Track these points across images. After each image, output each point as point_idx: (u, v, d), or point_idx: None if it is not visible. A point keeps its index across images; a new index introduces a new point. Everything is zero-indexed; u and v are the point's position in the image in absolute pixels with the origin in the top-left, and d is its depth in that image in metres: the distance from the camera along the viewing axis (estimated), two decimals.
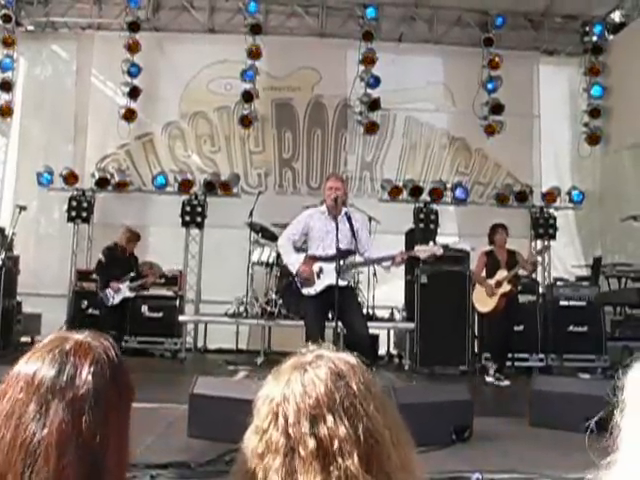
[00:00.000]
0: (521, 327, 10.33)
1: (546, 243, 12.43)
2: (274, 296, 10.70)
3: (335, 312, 6.49)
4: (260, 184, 13.03)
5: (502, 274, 9.40)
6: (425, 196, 12.44)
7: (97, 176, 12.38)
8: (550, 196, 12.65)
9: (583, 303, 10.94)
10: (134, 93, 12.61)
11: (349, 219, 6.78)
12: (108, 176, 12.47)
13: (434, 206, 12.30)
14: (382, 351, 11.74)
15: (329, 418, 1.25)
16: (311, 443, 1.24)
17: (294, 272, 6.85)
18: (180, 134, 13.18)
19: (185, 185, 12.36)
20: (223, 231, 12.24)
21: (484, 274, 9.61)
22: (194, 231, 12.43)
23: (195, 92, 13.12)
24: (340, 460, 1.23)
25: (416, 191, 12.43)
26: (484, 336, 10.43)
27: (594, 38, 13.16)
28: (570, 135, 13.58)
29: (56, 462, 1.17)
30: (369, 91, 12.79)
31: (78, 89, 13.13)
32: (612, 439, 1.20)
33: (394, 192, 12.50)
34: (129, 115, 12.61)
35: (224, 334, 11.93)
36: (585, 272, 11.97)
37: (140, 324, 11.06)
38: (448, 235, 11.73)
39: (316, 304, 6.75)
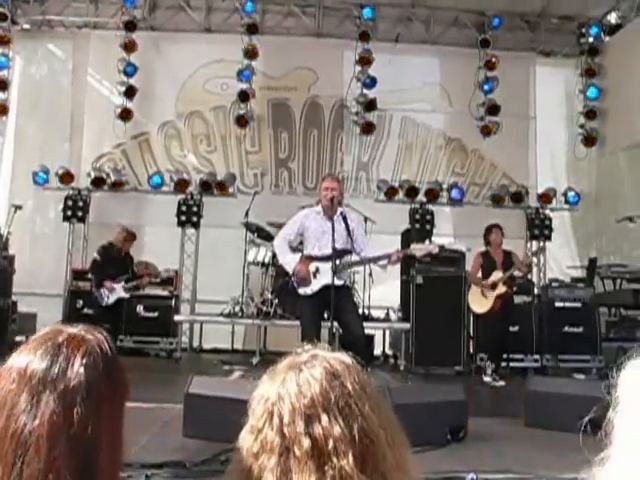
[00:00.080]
0: (516, 328, 10.34)
1: (541, 244, 12.45)
2: (270, 296, 10.70)
3: (331, 312, 6.49)
4: (256, 184, 13.03)
5: (497, 275, 9.41)
6: (421, 197, 12.45)
7: (93, 175, 12.38)
8: (546, 197, 12.68)
9: (578, 304, 10.96)
10: (130, 92, 12.60)
11: (345, 219, 6.80)
12: (104, 175, 12.46)
13: (430, 207, 12.32)
14: (377, 351, 11.74)
15: (324, 418, 1.25)
16: (306, 443, 1.24)
17: (290, 272, 6.86)
18: (176, 134, 13.17)
19: (181, 185, 12.35)
20: (219, 231, 12.22)
21: (480, 275, 9.63)
22: (190, 231, 12.42)
23: (191, 92, 13.11)
24: (335, 460, 1.23)
25: (412, 191, 12.44)
26: (479, 337, 10.44)
27: (590, 39, 13.18)
28: (566, 136, 13.60)
29: (47, 453, 1.18)
30: (365, 91, 12.80)
31: (74, 88, 13.11)
32: (606, 436, 1.21)
33: (390, 192, 12.52)
34: (125, 114, 12.59)
35: (220, 334, 11.92)
36: (580, 273, 11.99)
37: (135, 324, 11.05)
38: (444, 236, 11.76)
39: (312, 304, 6.76)
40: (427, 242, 7.67)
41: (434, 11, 13.26)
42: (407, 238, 11.09)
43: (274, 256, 9.84)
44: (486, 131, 12.95)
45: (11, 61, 12.84)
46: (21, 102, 13.09)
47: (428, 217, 12.13)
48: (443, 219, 12.64)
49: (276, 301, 10.56)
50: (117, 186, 12.49)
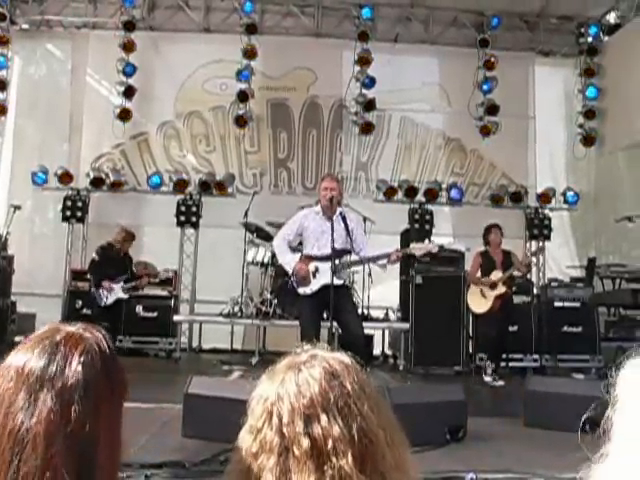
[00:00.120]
0: (515, 327, 10.33)
1: (540, 244, 12.44)
2: (269, 296, 10.69)
3: (330, 311, 6.49)
4: (255, 184, 13.03)
5: (497, 275, 9.41)
6: (420, 196, 12.45)
7: (92, 176, 12.37)
8: (545, 197, 12.68)
9: (577, 304, 10.96)
10: (129, 92, 12.59)
11: (344, 219, 6.81)
12: (103, 176, 12.45)
13: (429, 206, 12.32)
14: (377, 351, 11.75)
15: (323, 418, 1.25)
16: (305, 442, 1.24)
17: (290, 271, 6.87)
18: (175, 134, 13.17)
19: (180, 185, 12.35)
20: (218, 231, 12.22)
21: (479, 274, 9.63)
22: (189, 231, 12.42)
23: (190, 92, 13.10)
24: (334, 459, 1.23)
25: (411, 191, 12.44)
26: (479, 337, 10.44)
27: (589, 39, 13.18)
28: (565, 136, 13.60)
29: (44, 451, 1.18)
30: (364, 91, 12.79)
31: (73, 88, 13.10)
32: (604, 433, 1.21)
33: (389, 192, 12.52)
34: (124, 115, 12.58)
35: (219, 334, 11.92)
36: (579, 273, 11.99)
37: (135, 324, 11.05)
38: (443, 235, 11.75)
39: (312, 304, 6.76)
40: (426, 241, 7.67)
41: (433, 11, 13.26)
42: (406, 238, 11.08)
43: (273, 256, 9.86)
44: (485, 131, 12.95)
45: (10, 61, 12.83)
46: (20, 102, 13.08)
47: (427, 217, 12.12)
48: (442, 219, 12.63)
49: (275, 301, 10.56)
50: (116, 186, 12.48)
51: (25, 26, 13.18)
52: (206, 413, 5.34)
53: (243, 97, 12.63)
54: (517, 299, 10.51)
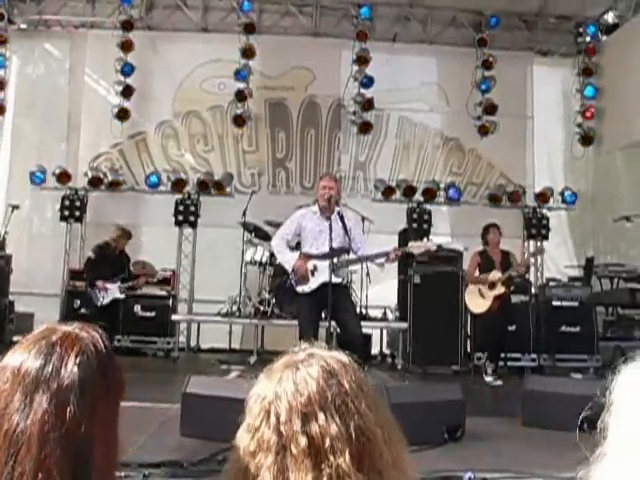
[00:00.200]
0: (513, 327, 10.31)
1: (539, 244, 12.42)
2: (267, 295, 10.71)
3: (328, 310, 6.50)
4: (253, 184, 13.02)
5: (496, 275, 9.40)
6: (418, 196, 12.45)
7: (90, 175, 12.35)
8: (543, 197, 12.68)
9: (575, 303, 10.96)
10: (127, 92, 12.57)
11: (342, 218, 6.81)
12: (101, 175, 12.43)
13: (427, 206, 12.31)
14: (375, 351, 11.75)
15: (321, 416, 1.26)
16: (303, 441, 1.24)
17: (289, 270, 6.87)
18: (173, 133, 13.16)
19: (178, 184, 12.34)
20: (216, 230, 12.22)
21: (477, 274, 9.63)
22: (187, 230, 12.41)
23: (188, 91, 13.09)
24: (332, 458, 1.23)
25: (409, 191, 12.44)
26: (477, 336, 10.43)
27: (587, 39, 13.18)
28: (563, 136, 13.60)
29: (37, 452, 1.18)
30: (363, 91, 12.78)
31: (71, 88, 13.09)
32: (601, 435, 1.22)
33: (387, 192, 12.51)
34: (122, 114, 12.56)
35: (217, 333, 11.91)
36: (577, 272, 12.00)
37: (133, 323, 11.04)
38: (441, 235, 11.72)
39: (310, 303, 6.77)
40: (425, 240, 7.68)
41: (431, 11, 13.26)
42: (405, 237, 11.08)
43: (271, 256, 9.87)
44: (483, 131, 12.95)
45: (8, 61, 12.80)
46: (18, 102, 13.06)
47: (425, 216, 12.12)
48: (440, 218, 12.63)
49: (273, 301, 10.57)
50: (114, 186, 12.46)
51: (23, 25, 13.16)
52: (204, 412, 5.34)
53: (241, 97, 12.61)
54: (515, 298, 10.51)
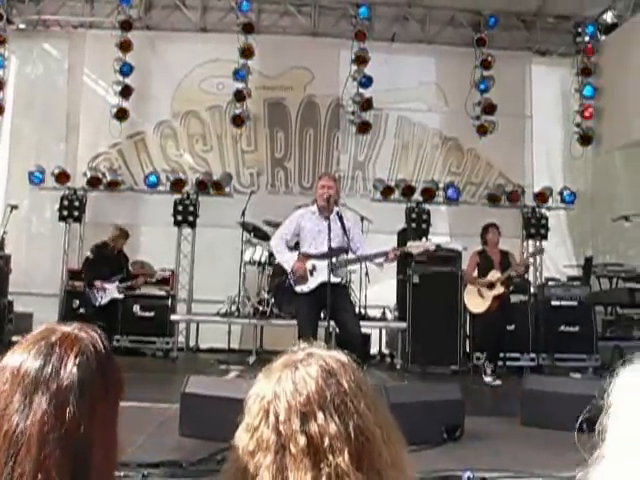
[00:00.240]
0: (513, 327, 10.32)
1: (538, 244, 12.42)
2: (266, 295, 10.70)
3: (327, 310, 6.50)
4: (252, 183, 13.01)
5: (495, 275, 9.40)
6: (417, 196, 12.45)
7: (89, 175, 12.34)
8: (542, 196, 12.68)
9: (574, 303, 10.96)
10: (126, 92, 12.56)
11: (340, 218, 6.81)
12: (100, 175, 12.43)
13: (426, 206, 12.31)
14: (374, 350, 11.76)
15: (320, 415, 1.26)
16: (302, 440, 1.24)
17: (288, 269, 6.87)
18: (172, 133, 13.15)
19: (177, 184, 12.33)
20: (215, 230, 12.22)
21: (475, 273, 9.63)
22: (186, 230, 12.41)
23: (187, 91, 13.09)
24: (331, 457, 1.23)
25: (408, 191, 12.44)
26: (476, 336, 10.44)
27: (586, 39, 13.18)
28: (562, 135, 13.60)
29: (37, 453, 1.18)
30: (361, 91, 12.77)
31: (70, 88, 13.09)
32: (599, 437, 1.23)
33: (386, 192, 12.51)
34: (121, 114, 12.56)
35: (216, 333, 11.92)
36: (576, 272, 12.00)
37: (132, 323, 11.04)
38: (440, 235, 11.72)
39: (309, 302, 6.77)
40: (424, 239, 7.68)
41: (430, 10, 13.26)
42: (403, 237, 11.08)
43: (270, 255, 9.87)
44: (482, 130, 12.95)
45: (6, 61, 12.80)
46: (17, 102, 13.06)
47: (424, 216, 12.12)
48: (439, 218, 12.64)
49: (272, 300, 10.57)
50: (113, 186, 12.46)
51: (22, 25, 13.16)
52: (203, 412, 5.34)
53: (240, 97, 12.61)
54: (514, 298, 10.51)
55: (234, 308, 10.91)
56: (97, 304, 10.29)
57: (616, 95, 12.48)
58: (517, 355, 10.66)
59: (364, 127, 12.88)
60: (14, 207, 11.22)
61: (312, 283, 6.74)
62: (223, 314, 10.92)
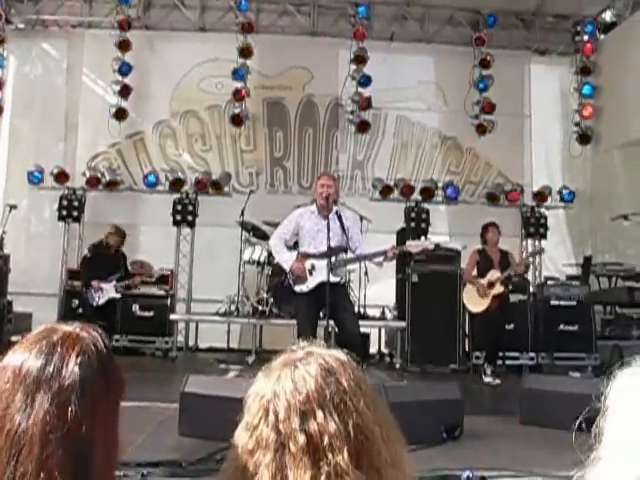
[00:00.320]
0: (512, 326, 10.32)
1: (537, 244, 12.42)
2: (265, 295, 10.71)
3: (327, 309, 6.50)
4: (251, 183, 13.01)
5: (494, 275, 9.39)
6: (416, 195, 12.44)
7: (88, 175, 12.34)
8: (541, 195, 12.68)
9: (574, 302, 10.96)
10: (125, 92, 12.56)
11: (339, 217, 6.81)
12: (99, 175, 12.43)
13: (425, 205, 12.29)
14: (373, 350, 11.76)
15: (319, 414, 1.26)
16: (301, 439, 1.24)
17: (287, 269, 6.88)
18: (171, 133, 13.15)
19: (176, 184, 12.33)
20: (214, 230, 12.22)
21: (475, 273, 9.62)
22: (185, 230, 12.40)
23: (186, 91, 13.08)
24: (330, 456, 1.23)
25: (407, 190, 12.44)
26: (475, 335, 10.44)
27: (585, 37, 13.18)
28: (561, 134, 13.60)
29: (39, 452, 1.18)
30: (360, 90, 12.77)
31: (68, 87, 13.08)
32: (596, 439, 1.23)
33: (385, 191, 12.51)
34: (120, 114, 12.55)
35: (215, 333, 11.93)
36: (576, 271, 12.00)
37: (131, 323, 11.03)
38: (439, 234, 11.75)
39: (309, 302, 6.77)
40: (422, 239, 7.69)
41: (429, 9, 13.26)
42: (402, 237, 11.08)
43: (270, 255, 9.87)
44: (481, 129, 12.95)
45: (5, 60, 12.78)
46: (15, 102, 13.05)
47: (423, 216, 12.09)
48: (438, 218, 12.63)
49: (272, 300, 10.57)
50: (112, 185, 12.46)
51: (20, 25, 13.14)
52: (202, 412, 5.34)
53: (239, 96, 12.60)
54: (513, 297, 10.50)
55: (233, 308, 10.91)
56: (95, 304, 10.29)
57: (615, 94, 12.48)
58: (516, 354, 10.65)
59: (363, 126, 12.88)
60: (13, 207, 11.20)
61: (311, 283, 6.75)
62: (222, 314, 10.91)
